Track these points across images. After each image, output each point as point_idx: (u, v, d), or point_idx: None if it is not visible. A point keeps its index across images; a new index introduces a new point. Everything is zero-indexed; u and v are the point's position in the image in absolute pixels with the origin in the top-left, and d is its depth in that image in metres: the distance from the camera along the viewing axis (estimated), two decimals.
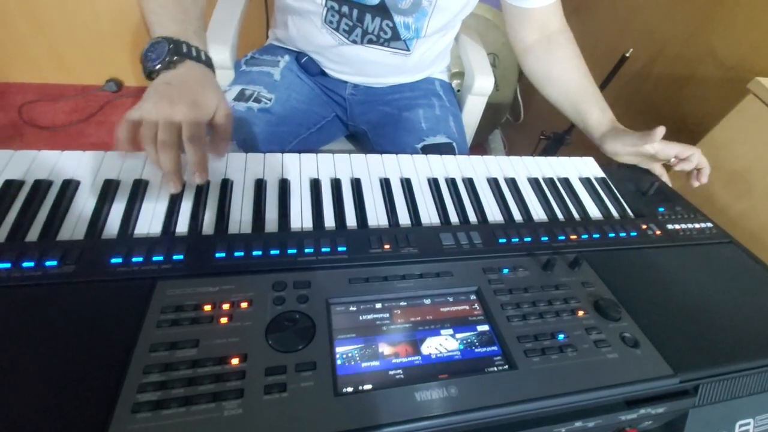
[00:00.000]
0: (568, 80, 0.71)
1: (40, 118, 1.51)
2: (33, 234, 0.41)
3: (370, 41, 0.67)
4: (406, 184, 0.54)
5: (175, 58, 0.46)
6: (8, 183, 0.44)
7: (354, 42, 0.67)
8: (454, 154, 0.74)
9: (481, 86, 0.82)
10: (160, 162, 0.43)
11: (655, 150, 0.63)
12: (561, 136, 1.11)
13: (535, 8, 0.69)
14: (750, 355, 0.41)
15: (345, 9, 0.62)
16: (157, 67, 0.46)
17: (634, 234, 0.53)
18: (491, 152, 1.81)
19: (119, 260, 0.38)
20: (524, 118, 1.61)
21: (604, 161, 0.68)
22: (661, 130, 0.59)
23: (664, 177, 0.67)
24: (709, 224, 0.58)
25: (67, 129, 1.49)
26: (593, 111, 0.68)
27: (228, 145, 0.50)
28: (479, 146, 1.84)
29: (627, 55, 0.90)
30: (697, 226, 0.57)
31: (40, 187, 0.44)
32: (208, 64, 0.50)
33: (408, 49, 0.69)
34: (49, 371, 0.30)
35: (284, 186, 0.50)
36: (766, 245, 0.66)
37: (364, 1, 0.61)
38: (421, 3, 0.62)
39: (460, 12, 0.69)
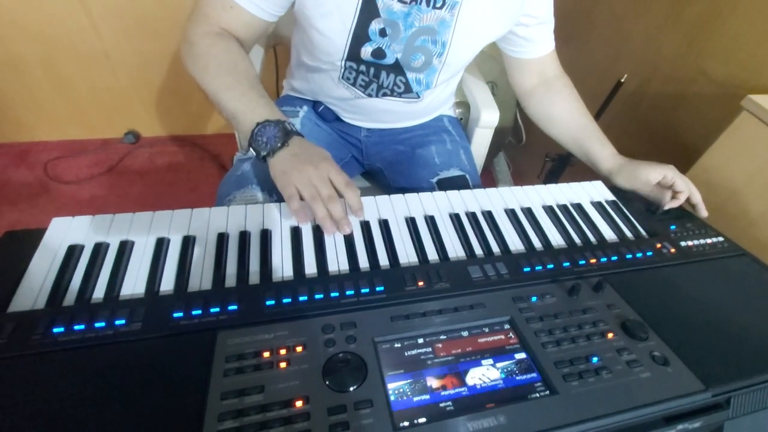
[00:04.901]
0: (568, 119, 0.77)
1: (64, 173, 1.58)
2: (98, 294, 0.45)
3: (385, 94, 0.73)
4: (431, 221, 0.58)
5: (286, 137, 0.55)
6: (71, 248, 0.48)
7: (369, 96, 0.73)
8: (468, 185, 0.78)
9: (487, 119, 0.87)
10: (332, 214, 0.51)
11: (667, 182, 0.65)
12: (566, 157, 1.15)
13: (533, 59, 0.76)
14: None
15: (362, 68, 0.68)
16: (275, 148, 0.54)
17: (650, 254, 0.56)
18: (497, 174, 1.86)
19: (180, 314, 0.42)
20: (526, 140, 1.67)
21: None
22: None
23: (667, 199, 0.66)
24: (721, 238, 0.61)
25: (90, 182, 1.56)
26: (595, 146, 0.73)
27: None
28: (485, 170, 1.89)
29: (622, 80, 0.95)
30: (709, 241, 0.60)
31: (100, 250, 0.48)
32: (299, 132, 0.58)
33: (419, 97, 0.75)
34: (133, 425, 0.33)
35: (319, 231, 0.54)
36: None
37: (380, 61, 0.67)
38: (432, 62, 0.68)
39: (465, 64, 0.75)
